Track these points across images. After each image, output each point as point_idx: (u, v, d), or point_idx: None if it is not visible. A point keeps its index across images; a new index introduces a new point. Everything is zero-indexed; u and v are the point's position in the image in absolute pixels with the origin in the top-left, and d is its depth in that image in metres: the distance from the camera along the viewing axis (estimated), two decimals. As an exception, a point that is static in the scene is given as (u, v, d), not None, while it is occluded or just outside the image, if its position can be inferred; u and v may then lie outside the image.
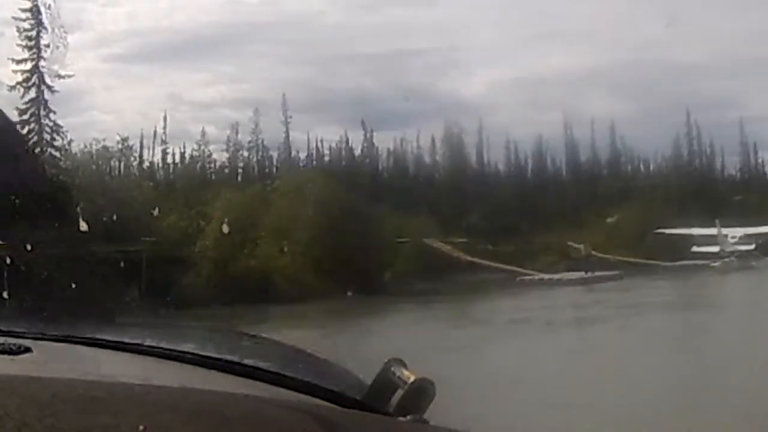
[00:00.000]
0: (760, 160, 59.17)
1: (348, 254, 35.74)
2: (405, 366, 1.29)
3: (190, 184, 42.47)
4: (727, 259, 43.90)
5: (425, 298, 33.68)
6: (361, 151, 52.02)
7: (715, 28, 68.14)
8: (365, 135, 51.58)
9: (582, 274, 41.38)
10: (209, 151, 47.69)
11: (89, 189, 30.59)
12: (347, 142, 51.36)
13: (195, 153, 47.26)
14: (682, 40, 68.71)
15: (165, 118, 45.97)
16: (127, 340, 1.65)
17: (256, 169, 48.17)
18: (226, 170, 47.59)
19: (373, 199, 41.37)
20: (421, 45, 68.38)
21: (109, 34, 61.77)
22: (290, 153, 49.64)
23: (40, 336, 1.62)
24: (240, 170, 48.40)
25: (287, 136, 48.86)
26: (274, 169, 47.89)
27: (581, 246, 47.96)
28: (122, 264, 26.39)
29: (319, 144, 50.85)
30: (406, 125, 52.98)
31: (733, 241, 44.29)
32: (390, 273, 37.47)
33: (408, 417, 1.21)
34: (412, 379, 1.26)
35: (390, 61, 59.45)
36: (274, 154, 49.44)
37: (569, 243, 48.59)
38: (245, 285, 32.80)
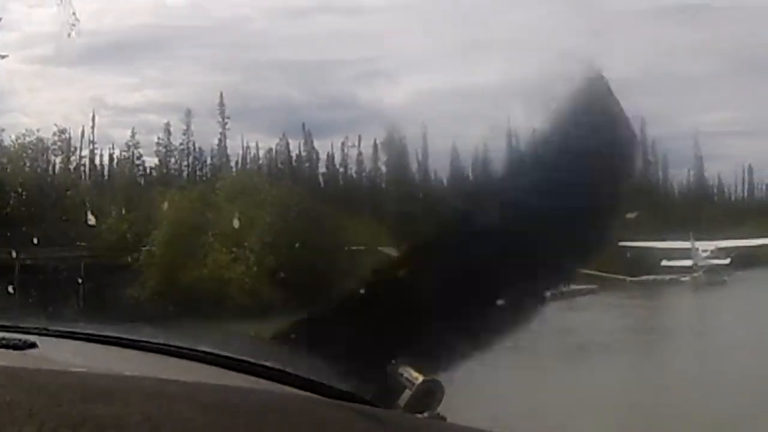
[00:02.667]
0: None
1: (306, 263, 32.25)
2: (413, 366, 1.22)
3: (125, 186, 39.63)
4: (698, 274, 41.51)
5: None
6: (298, 156, 50.60)
7: (644, 42, 68.99)
8: (303, 141, 50.21)
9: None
10: (139, 153, 45.55)
11: (16, 184, 26.83)
12: (287, 145, 49.83)
13: (125, 155, 45.01)
14: (609, 53, 70.00)
15: (93, 118, 43.80)
16: (133, 337, 1.60)
17: (187, 173, 46.44)
18: (156, 173, 45.38)
19: (318, 205, 38.12)
20: (347, 54, 69.68)
21: (34, 35, 57.85)
22: (227, 156, 47.72)
23: (45, 332, 1.58)
24: (174, 173, 46.29)
25: (224, 139, 47.00)
26: (208, 173, 46.04)
27: None
28: (58, 272, 22.67)
29: (253, 149, 49.15)
30: (332, 134, 52.61)
31: (705, 255, 41.99)
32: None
33: (425, 414, 1.15)
34: (420, 379, 1.21)
35: (315, 69, 59.32)
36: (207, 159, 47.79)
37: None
38: (197, 298, 29.02)
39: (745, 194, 65.82)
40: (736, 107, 67.70)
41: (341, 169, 52.66)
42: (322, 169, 51.98)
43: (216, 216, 34.29)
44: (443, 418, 1.19)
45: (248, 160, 48.37)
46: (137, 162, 44.95)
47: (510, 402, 14.39)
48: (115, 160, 44.35)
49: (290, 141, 49.41)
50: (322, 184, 49.47)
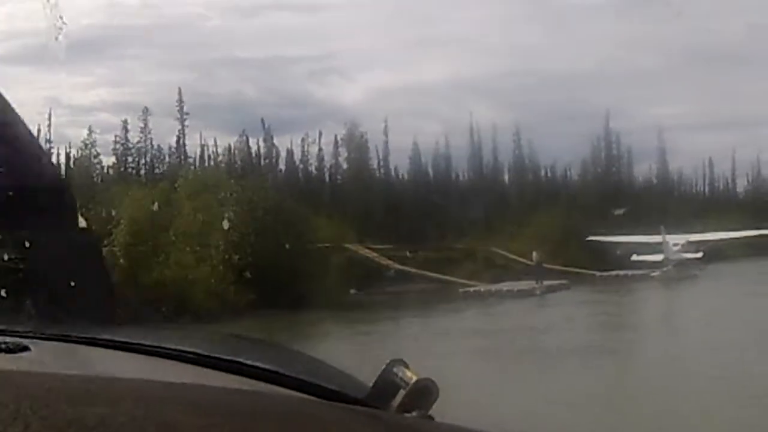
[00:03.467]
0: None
1: (271, 261, 31.16)
2: (407, 366, 1.23)
3: (83, 185, 37.97)
4: (668, 268, 41.02)
5: (363, 315, 29.20)
6: (257, 153, 50.49)
7: (599, 37, 69.82)
8: (261, 138, 50.05)
9: (532, 284, 37.55)
10: (96, 151, 44.92)
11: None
12: (247, 142, 49.70)
13: (82, 154, 44.28)
14: (561, 49, 70.93)
15: (50, 116, 43.53)
16: (125, 339, 1.59)
17: (145, 171, 46.11)
18: (114, 171, 45.13)
19: (282, 201, 36.99)
20: (302, 51, 73.08)
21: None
22: (185, 154, 47.47)
23: (39, 335, 1.56)
24: (132, 171, 46.04)
25: (182, 136, 46.89)
26: (166, 171, 45.12)
27: (506, 253, 45.75)
28: (13, 275, 21.07)
29: (211, 147, 48.95)
30: (288, 131, 50.93)
31: (676, 249, 41.54)
32: (318, 283, 32.67)
33: (413, 413, 1.17)
34: (414, 379, 1.20)
35: (270, 67, 59.54)
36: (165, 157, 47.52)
37: (494, 249, 45.95)
38: (160, 300, 27.81)
39: (707, 188, 66.56)
40: (692, 101, 68.48)
41: (302, 166, 52.41)
42: (281, 165, 52.13)
43: (178, 214, 33.05)
44: (431, 418, 1.15)
45: (206, 158, 48.14)
46: (95, 161, 44.44)
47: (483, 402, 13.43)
48: (72, 159, 43.54)
49: (239, 141, 49.27)
50: (283, 181, 48.62)
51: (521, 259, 44.45)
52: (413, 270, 40.78)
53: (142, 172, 45.80)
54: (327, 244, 37.55)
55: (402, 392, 1.21)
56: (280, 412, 1.07)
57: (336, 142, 52.47)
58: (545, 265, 39.92)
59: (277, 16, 69.96)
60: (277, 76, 61.92)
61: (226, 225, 30.87)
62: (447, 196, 51.78)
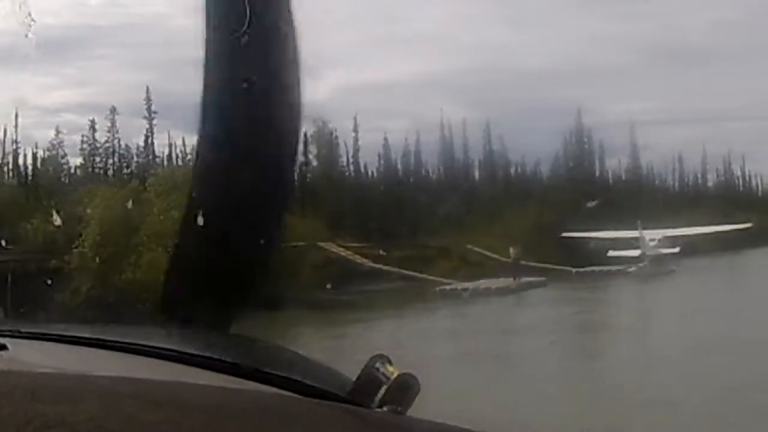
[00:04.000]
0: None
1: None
2: (390, 362, 1.25)
3: (50, 185, 37.75)
4: (644, 264, 40.75)
5: (338, 315, 28.68)
6: None
7: (566, 34, 70.18)
8: None
9: (509, 281, 37.21)
10: (64, 152, 44.06)
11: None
12: None
13: (49, 155, 43.37)
14: (529, 45, 71.16)
15: (17, 116, 42.50)
16: (103, 337, 1.59)
17: (113, 171, 45.18)
18: (81, 172, 44.02)
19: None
20: None
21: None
22: (153, 154, 46.55)
23: (17, 334, 1.57)
24: (99, 171, 44.86)
25: (151, 135, 45.94)
26: (134, 171, 44.47)
27: (480, 250, 45.36)
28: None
29: (178, 147, 47.36)
30: None
31: (652, 244, 41.27)
32: (293, 282, 31.99)
33: (384, 408, 1.19)
34: (395, 374, 1.23)
35: None
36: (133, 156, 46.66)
37: (469, 246, 45.49)
38: (132, 303, 26.89)
39: (676, 183, 66.60)
40: (660, 97, 68.69)
41: None
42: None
43: (149, 213, 32.24)
44: (402, 412, 1.17)
45: (175, 157, 47.06)
46: (62, 161, 43.62)
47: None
48: (39, 160, 42.84)
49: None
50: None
51: (496, 256, 44.02)
52: (388, 268, 40.24)
53: (110, 172, 44.99)
54: (300, 243, 36.88)
55: (384, 387, 1.21)
56: (248, 408, 1.04)
57: (306, 138, 51.54)
58: (521, 262, 39.53)
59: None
60: None
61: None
62: (418, 193, 51.36)
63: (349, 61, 71.28)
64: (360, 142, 53.52)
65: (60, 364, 1.39)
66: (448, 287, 37.13)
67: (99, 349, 1.56)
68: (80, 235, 29.58)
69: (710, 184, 67.49)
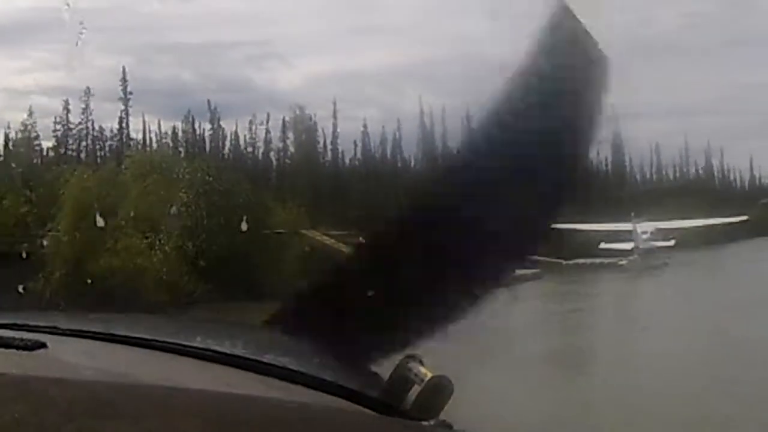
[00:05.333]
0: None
1: (227, 249, 28.77)
2: (422, 362, 1.24)
3: (22, 165, 36.30)
4: (635, 257, 39.55)
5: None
6: (201, 136, 48.19)
7: (534, 26, 70.75)
8: (196, 122, 47.53)
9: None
10: (37, 133, 42.09)
11: None
12: (192, 124, 47.30)
13: (21, 136, 41.32)
14: (503, 36, 71.49)
15: None
16: (144, 336, 1.57)
17: (86, 154, 43.66)
18: (54, 153, 42.44)
19: (236, 185, 34.64)
20: (240, 36, 70.63)
21: None
22: (128, 136, 44.66)
23: (54, 330, 1.55)
24: (72, 153, 43.38)
25: (126, 116, 44.13)
26: (107, 154, 43.33)
27: None
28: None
29: (151, 131, 46.18)
30: (226, 116, 50.06)
31: (644, 237, 40.04)
32: (275, 272, 30.29)
33: (432, 421, 1.19)
34: (429, 376, 1.22)
35: (207, 52, 59.13)
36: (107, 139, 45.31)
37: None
38: (108, 291, 25.20)
39: (654, 176, 66.47)
40: (633, 90, 68.72)
41: (249, 149, 50.70)
42: (227, 149, 49.65)
43: (125, 197, 30.50)
44: (449, 426, 1.15)
45: (149, 141, 45.52)
46: (34, 143, 41.73)
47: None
48: (11, 143, 40.73)
49: (184, 124, 47.01)
50: (229, 165, 46.36)
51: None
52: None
53: (83, 154, 43.28)
54: (282, 230, 35.25)
55: (416, 389, 1.18)
56: (302, 421, 1.02)
57: (284, 125, 50.59)
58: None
59: (215, 1, 69.50)
60: (216, 62, 61.02)
61: (176, 209, 28.53)
62: (398, 181, 50.46)
63: (325, 49, 71.01)
64: (338, 130, 52.73)
65: (100, 365, 1.35)
66: (439, 277, 35.57)
67: (137, 348, 1.50)
68: (54, 218, 27.77)
69: (691, 177, 67.61)
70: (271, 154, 51.19)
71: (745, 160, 70.83)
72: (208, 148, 46.80)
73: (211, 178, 31.27)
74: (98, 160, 40.93)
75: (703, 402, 14.49)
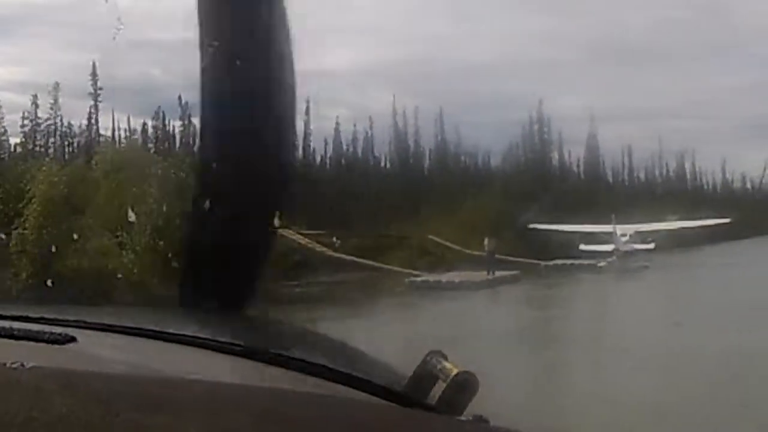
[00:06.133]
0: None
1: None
2: (446, 358, 1.24)
3: None
4: (613, 259, 39.00)
5: (302, 313, 25.85)
6: (171, 134, 47.88)
7: (508, 30, 71.26)
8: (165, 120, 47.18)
9: (483, 274, 35.06)
10: (4, 128, 42.24)
11: None
12: (164, 120, 47.02)
13: None
14: (471, 38, 71.87)
15: None
16: (172, 331, 1.56)
17: (54, 150, 42.95)
18: (21, 149, 42.10)
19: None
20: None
21: None
22: (98, 132, 44.17)
23: (83, 324, 1.54)
24: (40, 150, 42.54)
25: (96, 112, 43.66)
26: (75, 151, 43.02)
27: (441, 240, 43.52)
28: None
29: (120, 129, 45.79)
30: (194, 114, 48.46)
31: (624, 239, 39.53)
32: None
33: (470, 417, 1.15)
34: (455, 372, 1.22)
35: (177, 50, 58.42)
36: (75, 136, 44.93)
37: (430, 237, 43.45)
38: (78, 293, 24.01)
39: (626, 178, 66.80)
40: (603, 94, 69.32)
41: None
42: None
43: (95, 194, 29.37)
44: (486, 421, 1.12)
45: (118, 138, 45.02)
46: (1, 139, 41.96)
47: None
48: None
49: (153, 122, 46.72)
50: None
51: (457, 247, 42.34)
52: (351, 258, 37.99)
53: (51, 151, 42.59)
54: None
55: (440, 384, 1.20)
56: (342, 416, 1.03)
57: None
58: (481, 254, 37.68)
59: (186, -1, 68.22)
60: (186, 59, 60.14)
61: (148, 206, 27.48)
62: (370, 181, 49.99)
63: (297, 48, 70.95)
64: (309, 127, 52.24)
65: (132, 359, 1.35)
66: (418, 279, 34.91)
67: (167, 343, 1.49)
68: (21, 215, 26.63)
69: (662, 180, 67.96)
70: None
71: (717, 163, 71.39)
72: (178, 145, 45.95)
73: (184, 175, 30.06)
74: (66, 156, 40.41)
75: (686, 408, 14.00)
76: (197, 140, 1.90)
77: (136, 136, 44.21)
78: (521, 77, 70.45)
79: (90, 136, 43.39)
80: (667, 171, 69.12)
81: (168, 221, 28.49)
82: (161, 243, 28.09)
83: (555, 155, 59.03)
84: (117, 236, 28.16)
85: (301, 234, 39.02)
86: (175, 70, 62.88)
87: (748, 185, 73.96)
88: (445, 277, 33.96)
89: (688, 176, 70.72)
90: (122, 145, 41.38)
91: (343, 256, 38.05)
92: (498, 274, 35.29)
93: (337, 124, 53.36)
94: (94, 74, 42.37)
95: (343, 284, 33.04)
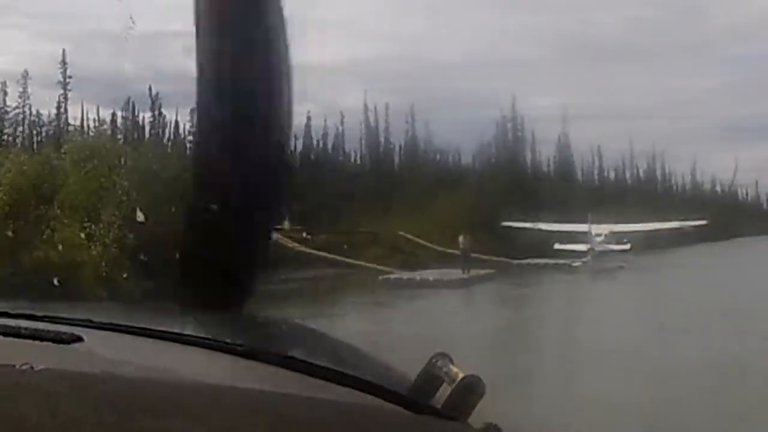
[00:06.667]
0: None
1: (170, 243, 26.79)
2: (451, 361, 1.22)
3: None
4: (587, 259, 38.66)
5: (275, 312, 25.09)
6: (141, 125, 47.70)
7: (478, 26, 71.49)
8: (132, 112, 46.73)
9: (458, 272, 34.85)
10: None
11: None
12: (133, 111, 46.84)
13: None
14: (444, 36, 72.04)
15: None
16: (179, 331, 1.53)
17: (22, 140, 42.88)
18: None
19: (183, 171, 32.85)
20: (178, 26, 69.42)
21: None
22: (66, 122, 43.89)
23: (89, 323, 1.52)
24: (8, 138, 42.73)
25: (65, 101, 43.65)
26: (44, 140, 42.19)
27: (412, 237, 43.16)
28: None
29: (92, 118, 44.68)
30: (163, 107, 49.43)
31: (599, 239, 39.21)
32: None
33: (482, 424, 1.15)
34: (461, 375, 1.20)
35: (147, 41, 58.46)
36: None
37: (401, 233, 43.02)
38: (44, 289, 23.20)
39: (596, 178, 67.21)
40: (573, 93, 69.62)
41: (190, 138, 49.23)
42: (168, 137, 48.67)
43: (63, 184, 28.57)
44: (498, 429, 1.12)
45: (87, 128, 44.00)
46: None
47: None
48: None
49: (122, 113, 46.25)
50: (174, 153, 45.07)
51: (429, 244, 41.95)
52: (324, 254, 37.47)
53: (20, 139, 42.58)
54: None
55: (445, 388, 1.20)
56: (353, 422, 1.03)
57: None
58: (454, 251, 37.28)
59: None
60: (156, 52, 59.91)
61: (118, 197, 26.70)
62: (341, 176, 49.58)
63: None
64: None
65: (140, 360, 1.31)
66: (392, 276, 34.36)
67: (175, 344, 1.45)
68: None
69: (632, 180, 68.22)
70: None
71: (687, 165, 71.78)
72: (147, 136, 45.92)
73: (155, 166, 29.33)
74: (35, 145, 39.86)
75: (662, 411, 13.69)
76: (193, 134, 1.83)
77: (105, 127, 43.31)
78: (494, 75, 70.55)
79: (59, 126, 43.00)
80: (638, 172, 69.44)
81: (135, 215, 27.80)
82: (130, 236, 27.36)
83: (528, 154, 59.20)
84: (85, 228, 27.35)
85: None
86: (146, 63, 62.56)
87: (718, 187, 74.56)
88: (419, 276, 33.46)
89: (659, 177, 71.11)
90: (91, 135, 40.36)
91: (315, 251, 37.45)
92: (473, 272, 34.82)
93: (308, 119, 52.99)
94: (63, 62, 42.32)
95: (314, 281, 32.54)
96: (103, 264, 26.54)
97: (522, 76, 69.33)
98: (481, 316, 25.49)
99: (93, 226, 27.44)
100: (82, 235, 27.09)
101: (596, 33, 68.59)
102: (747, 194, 78.71)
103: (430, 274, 33.81)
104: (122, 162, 29.16)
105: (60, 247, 26.22)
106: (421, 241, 42.69)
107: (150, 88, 47.14)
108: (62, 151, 30.91)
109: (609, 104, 76.88)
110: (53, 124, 43.75)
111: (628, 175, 69.31)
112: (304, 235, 39.18)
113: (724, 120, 77.04)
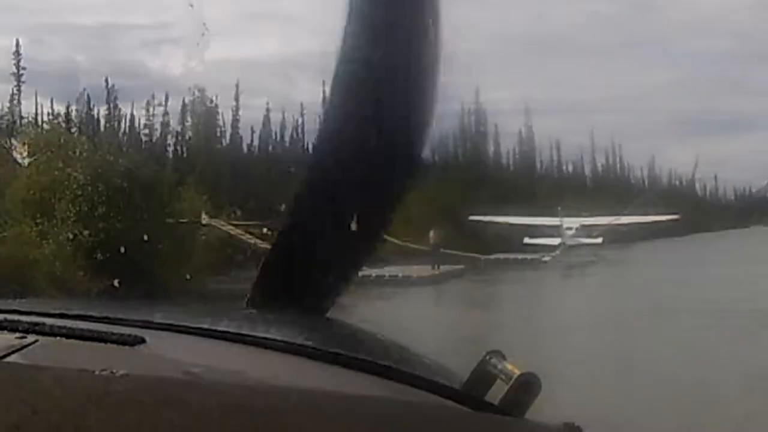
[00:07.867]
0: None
1: (128, 239, 25.52)
2: (505, 358, 1.22)
3: None
4: (557, 253, 37.99)
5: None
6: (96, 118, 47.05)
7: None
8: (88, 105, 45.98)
9: (428, 268, 34.30)
10: None
11: None
12: (88, 104, 46.29)
13: None
14: None
15: None
16: (240, 331, 1.49)
17: None
18: None
19: (140, 163, 31.46)
20: (134, 20, 73.35)
21: None
22: (20, 115, 43.20)
23: (150, 325, 1.50)
24: None
25: (19, 93, 43.43)
26: None
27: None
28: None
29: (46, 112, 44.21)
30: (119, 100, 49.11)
31: (570, 233, 38.52)
32: (181, 266, 27.17)
33: (561, 424, 1.12)
34: (517, 372, 1.19)
35: (102, 35, 57.52)
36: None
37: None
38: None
39: (556, 170, 67.20)
40: (525, 87, 69.48)
41: (146, 132, 48.58)
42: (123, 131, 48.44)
43: (15, 177, 27.18)
44: (579, 429, 1.09)
45: (41, 122, 42.69)
46: None
47: None
48: None
49: (77, 107, 45.68)
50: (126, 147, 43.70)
51: (394, 240, 40.88)
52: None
53: None
54: (186, 220, 32.10)
55: (499, 384, 1.19)
56: (446, 427, 1.04)
57: (184, 106, 49.47)
58: (420, 247, 36.39)
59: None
60: (110, 45, 58.71)
61: (72, 192, 25.37)
62: (301, 170, 48.33)
63: (223, 37, 68.95)
64: (238, 114, 51.61)
65: (205, 362, 1.26)
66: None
67: (237, 344, 1.43)
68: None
69: (589, 175, 68.33)
70: (169, 137, 50.11)
71: (644, 159, 71.76)
72: (103, 130, 44.83)
73: (111, 158, 27.96)
74: None
75: (633, 407, 13.10)
76: (318, 133, 1.64)
77: (59, 120, 41.96)
78: (452, 69, 70.14)
79: (12, 119, 42.05)
80: (595, 165, 69.41)
81: (91, 209, 26.42)
82: (86, 233, 25.96)
83: (490, 147, 58.80)
84: (38, 224, 25.90)
85: (233, 224, 37.22)
86: (100, 57, 61.25)
87: (676, 182, 74.65)
88: (388, 273, 32.13)
89: (618, 171, 71.05)
90: (45, 128, 38.90)
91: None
92: (443, 268, 33.88)
93: (268, 110, 52.19)
94: (17, 53, 42.17)
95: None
96: (56, 262, 25.14)
97: (479, 71, 69.07)
98: (456, 314, 24.58)
99: (46, 222, 26.03)
100: (34, 232, 25.68)
101: (553, 28, 68.22)
102: (706, 188, 79.06)
103: (399, 271, 32.71)
104: (78, 154, 27.84)
105: (10, 244, 24.84)
106: (386, 237, 41.63)
107: (106, 81, 46.58)
108: (14, 144, 29.64)
109: (566, 99, 76.73)
110: (6, 117, 42.72)
111: (588, 170, 69.13)
112: (264, 231, 37.97)
113: (680, 114, 77.35)
